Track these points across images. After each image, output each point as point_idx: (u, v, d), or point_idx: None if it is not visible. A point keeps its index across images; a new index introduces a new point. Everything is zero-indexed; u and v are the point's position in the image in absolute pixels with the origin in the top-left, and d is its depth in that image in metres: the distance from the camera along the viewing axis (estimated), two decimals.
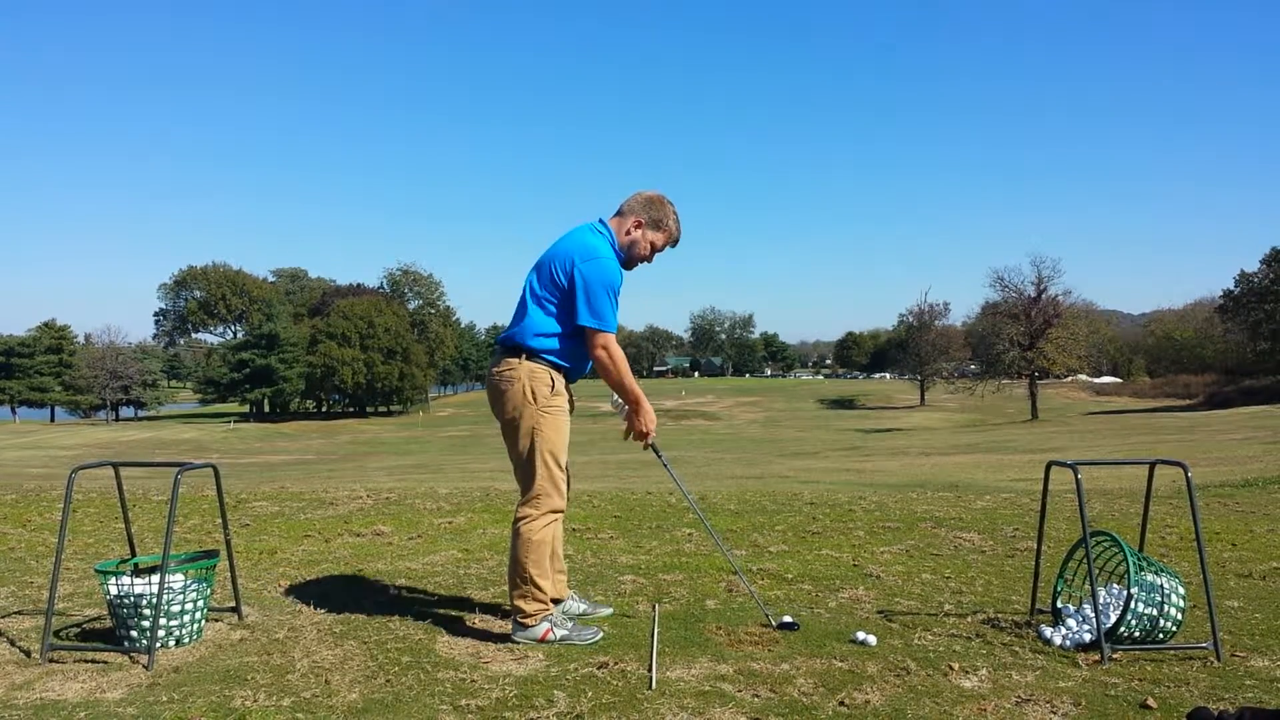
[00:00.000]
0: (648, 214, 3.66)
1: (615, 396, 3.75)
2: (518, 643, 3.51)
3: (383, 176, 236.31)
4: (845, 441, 47.78)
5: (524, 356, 3.55)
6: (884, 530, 6.31)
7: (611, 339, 3.53)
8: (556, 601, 3.78)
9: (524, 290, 3.64)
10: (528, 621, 3.51)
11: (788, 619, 3.79)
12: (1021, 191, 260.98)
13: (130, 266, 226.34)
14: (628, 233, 3.66)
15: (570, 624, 3.58)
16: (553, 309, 3.54)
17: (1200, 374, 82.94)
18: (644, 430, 3.75)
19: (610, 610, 4.04)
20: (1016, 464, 22.98)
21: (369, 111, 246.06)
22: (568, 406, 3.66)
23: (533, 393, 3.52)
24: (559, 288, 3.52)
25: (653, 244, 3.70)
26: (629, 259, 3.70)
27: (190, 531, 6.30)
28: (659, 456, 4.00)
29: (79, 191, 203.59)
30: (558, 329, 3.54)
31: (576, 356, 3.60)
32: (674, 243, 3.78)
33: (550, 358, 3.55)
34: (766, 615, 3.83)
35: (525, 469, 3.57)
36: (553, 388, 3.55)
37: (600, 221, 3.68)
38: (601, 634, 3.59)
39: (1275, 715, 2.56)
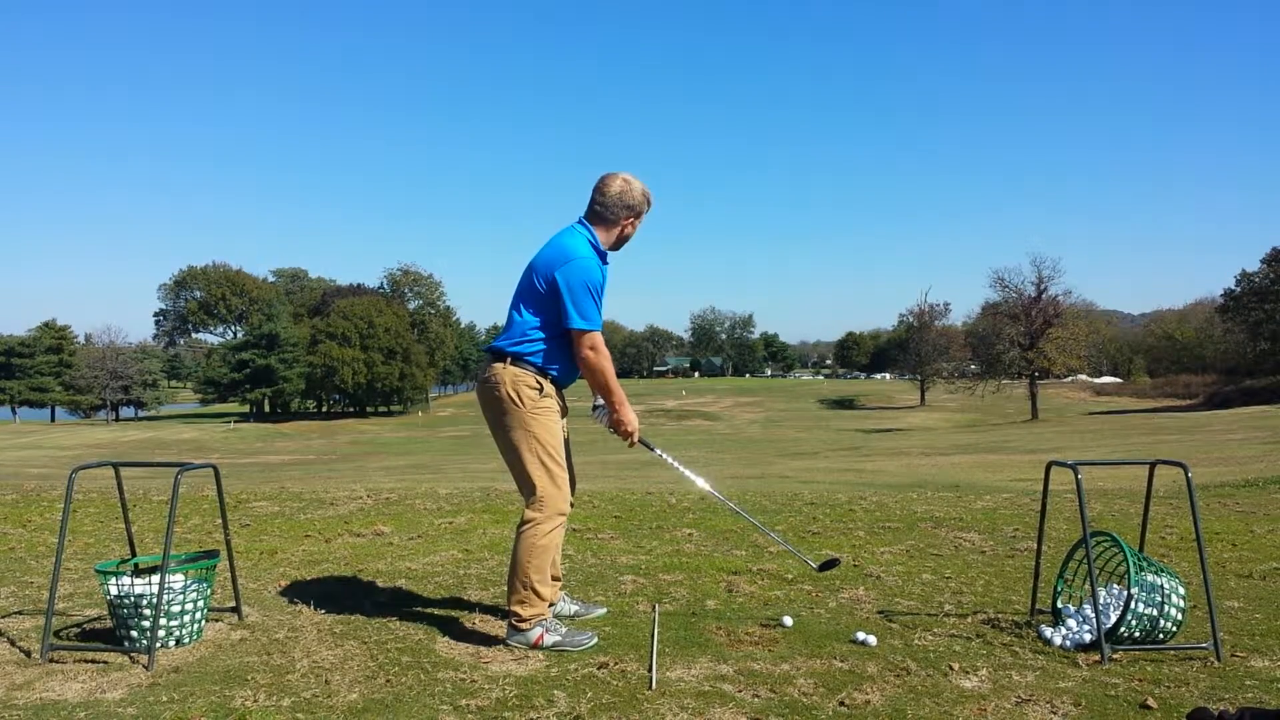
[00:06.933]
0: (633, 210, 3.67)
1: (596, 401, 3.75)
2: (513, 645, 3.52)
3: (383, 176, 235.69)
4: (845, 441, 47.77)
5: (508, 361, 3.55)
6: (884, 530, 6.31)
7: (599, 338, 3.54)
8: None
9: (512, 299, 3.65)
10: (522, 626, 3.50)
11: (786, 620, 3.80)
12: (1021, 191, 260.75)
13: (130, 266, 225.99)
14: (622, 230, 3.68)
15: (564, 629, 3.57)
16: (536, 314, 3.55)
17: (1200, 374, 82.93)
18: (630, 430, 3.73)
19: (604, 610, 4.04)
20: (1017, 464, 22.98)
21: (369, 111, 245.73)
22: (558, 409, 3.65)
23: (519, 396, 3.51)
24: (541, 293, 3.53)
25: (637, 224, 3.74)
26: (620, 244, 3.74)
27: (190, 532, 6.30)
28: (652, 450, 3.99)
29: (79, 191, 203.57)
30: (541, 334, 3.54)
31: (562, 359, 3.59)
32: (650, 208, 3.82)
33: (535, 360, 3.54)
34: (807, 561, 4.37)
35: (523, 474, 3.56)
36: (540, 390, 3.54)
37: (581, 221, 3.67)
38: (596, 639, 3.57)
39: (1275, 715, 2.56)
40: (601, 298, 3.58)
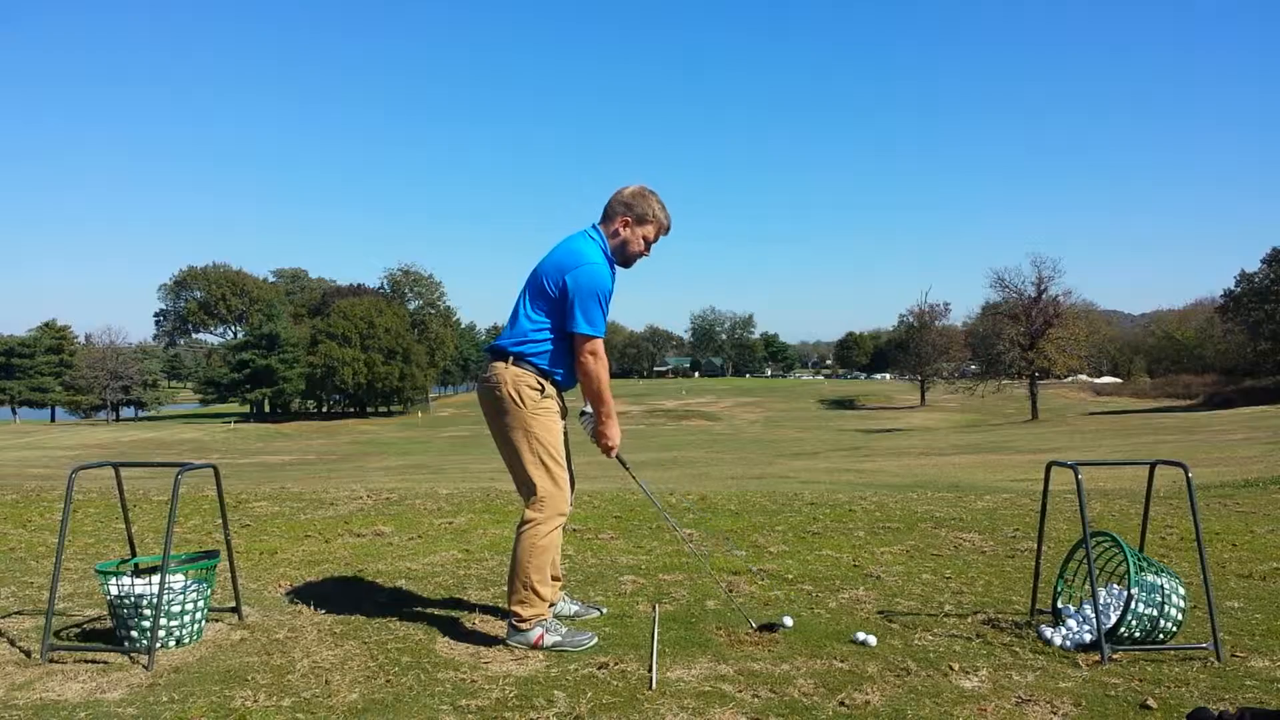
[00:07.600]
0: (632, 211, 3.65)
1: (584, 408, 3.74)
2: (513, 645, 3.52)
3: (383, 176, 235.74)
4: (846, 442, 47.76)
5: (510, 361, 3.54)
6: (884, 530, 6.31)
7: (599, 344, 3.53)
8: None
9: (516, 299, 3.65)
10: (522, 626, 3.51)
11: (787, 620, 3.79)
12: (1021, 191, 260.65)
13: (130, 266, 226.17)
14: (616, 233, 3.65)
15: (564, 630, 3.57)
16: (542, 316, 3.54)
17: (1201, 374, 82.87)
18: (612, 443, 3.71)
19: (604, 610, 4.04)
20: (1017, 464, 22.98)
21: (369, 111, 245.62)
22: (559, 409, 3.65)
23: (520, 396, 3.51)
24: (549, 296, 3.53)
25: (644, 238, 3.68)
26: (625, 258, 3.69)
27: (191, 532, 6.30)
28: (626, 468, 3.95)
29: (79, 191, 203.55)
30: (547, 335, 3.54)
31: (566, 363, 3.59)
32: (665, 231, 3.75)
33: (538, 361, 3.54)
34: (749, 620, 3.82)
35: (523, 474, 3.56)
36: (542, 391, 3.54)
37: (593, 227, 3.68)
38: (596, 639, 3.57)
39: (1275, 716, 2.56)
40: (608, 305, 3.57)
